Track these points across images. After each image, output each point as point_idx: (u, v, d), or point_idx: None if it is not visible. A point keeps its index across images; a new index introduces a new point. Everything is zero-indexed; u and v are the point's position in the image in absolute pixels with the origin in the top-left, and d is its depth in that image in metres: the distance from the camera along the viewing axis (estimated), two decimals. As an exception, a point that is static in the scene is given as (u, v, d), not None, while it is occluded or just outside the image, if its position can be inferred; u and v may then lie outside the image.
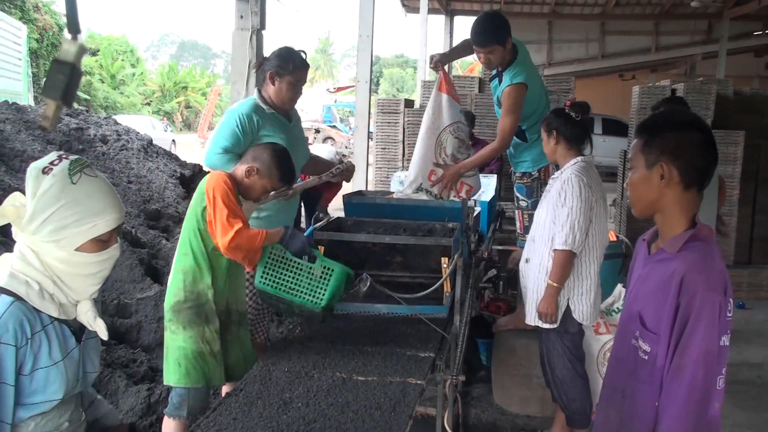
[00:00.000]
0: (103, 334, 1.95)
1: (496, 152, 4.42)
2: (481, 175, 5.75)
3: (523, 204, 4.48)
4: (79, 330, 1.92)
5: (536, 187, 4.38)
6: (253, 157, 2.99)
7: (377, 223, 3.71)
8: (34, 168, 1.79)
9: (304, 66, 3.60)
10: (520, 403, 4.35)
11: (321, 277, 2.80)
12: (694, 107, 7.62)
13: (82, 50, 1.94)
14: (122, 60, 35.98)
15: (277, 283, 2.81)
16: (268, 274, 2.82)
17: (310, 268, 2.81)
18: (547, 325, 3.51)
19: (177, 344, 2.90)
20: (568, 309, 3.49)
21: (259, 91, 3.63)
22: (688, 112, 2.03)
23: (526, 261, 3.65)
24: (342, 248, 3.43)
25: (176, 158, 9.17)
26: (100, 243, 1.84)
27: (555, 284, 3.42)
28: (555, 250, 3.42)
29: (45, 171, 1.78)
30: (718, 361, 1.81)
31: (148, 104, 37.10)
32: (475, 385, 4.70)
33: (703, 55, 18.34)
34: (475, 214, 4.32)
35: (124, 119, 10.99)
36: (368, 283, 3.10)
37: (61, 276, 1.82)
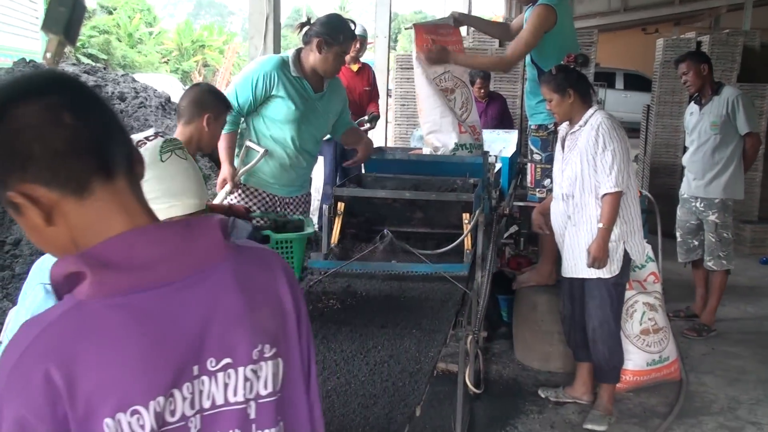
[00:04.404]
0: None
1: (494, 65, 4.30)
2: (502, 131, 5.70)
3: (537, 157, 4.40)
4: None
5: (551, 140, 4.29)
6: (199, 107, 2.77)
7: (397, 179, 3.68)
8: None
9: (353, 38, 3.54)
10: (542, 359, 4.35)
11: (283, 253, 2.66)
12: (720, 60, 7.46)
13: None
14: (140, 19, 35.77)
15: None
16: None
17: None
18: (603, 273, 3.51)
19: None
20: (626, 255, 3.52)
21: (298, 52, 3.51)
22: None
23: (569, 218, 3.62)
24: (362, 204, 3.41)
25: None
26: None
27: (607, 227, 3.43)
28: (606, 194, 3.41)
29: (139, 144, 1.82)
30: None
31: (166, 63, 36.99)
32: (497, 342, 4.70)
33: (728, 7, 17.92)
34: (496, 169, 4.27)
35: (143, 78, 10.95)
36: (389, 240, 3.08)
37: None
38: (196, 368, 0.97)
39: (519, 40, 4.09)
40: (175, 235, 1.00)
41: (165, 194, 1.79)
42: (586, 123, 3.53)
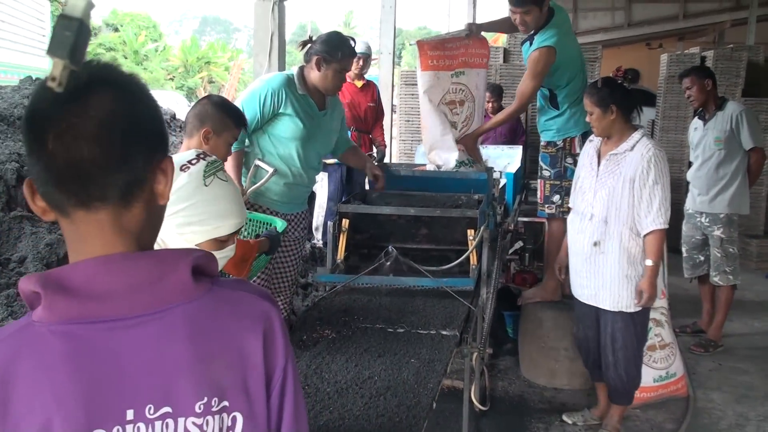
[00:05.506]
0: None
1: (511, 115, 4.37)
2: (506, 146, 5.71)
3: (546, 174, 4.37)
4: None
5: (560, 157, 4.28)
6: (200, 120, 2.70)
7: (402, 195, 3.68)
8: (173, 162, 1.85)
9: (352, 55, 3.53)
10: (548, 376, 4.33)
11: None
12: (724, 75, 7.48)
13: (90, 5, 1.88)
14: (145, 36, 36.00)
15: None
16: None
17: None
18: (625, 308, 3.45)
19: None
20: None
21: (301, 69, 3.53)
22: None
23: (595, 244, 3.47)
24: (367, 221, 3.41)
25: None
26: (219, 243, 1.91)
27: (656, 263, 3.36)
28: (656, 230, 3.32)
29: (183, 168, 1.86)
30: None
31: (172, 79, 37.18)
32: (502, 358, 4.68)
33: (732, 22, 17.96)
34: (500, 185, 4.28)
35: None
36: (393, 256, 3.08)
37: None
38: (131, 412, 0.93)
39: (522, 87, 4.14)
40: (140, 269, 0.97)
41: (211, 216, 1.85)
42: (633, 148, 3.38)
